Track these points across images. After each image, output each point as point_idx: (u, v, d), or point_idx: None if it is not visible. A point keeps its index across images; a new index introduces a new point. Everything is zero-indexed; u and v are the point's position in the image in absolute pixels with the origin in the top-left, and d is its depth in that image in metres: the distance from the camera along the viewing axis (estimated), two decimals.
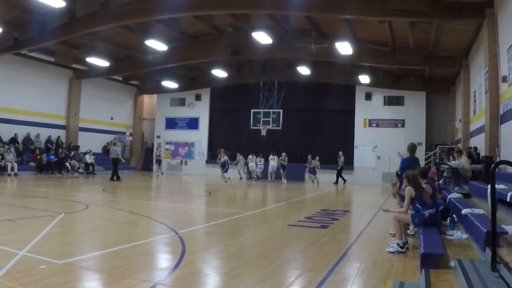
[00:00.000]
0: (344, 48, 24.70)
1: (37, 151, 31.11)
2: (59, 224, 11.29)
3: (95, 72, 35.27)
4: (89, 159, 33.36)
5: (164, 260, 8.53)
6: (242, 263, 8.17)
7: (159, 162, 37.86)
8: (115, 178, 27.81)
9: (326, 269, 7.64)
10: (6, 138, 30.57)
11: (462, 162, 16.61)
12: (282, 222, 13.18)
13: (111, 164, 29.07)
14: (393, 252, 8.90)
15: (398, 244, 8.98)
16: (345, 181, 32.92)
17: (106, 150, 39.49)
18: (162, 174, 37.09)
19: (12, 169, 27.93)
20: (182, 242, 9.59)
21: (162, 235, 10.59)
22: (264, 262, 8.17)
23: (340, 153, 32.82)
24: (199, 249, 9.32)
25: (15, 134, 31.24)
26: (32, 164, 30.44)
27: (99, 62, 31.35)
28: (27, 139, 32.28)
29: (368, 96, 35.34)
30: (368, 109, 35.55)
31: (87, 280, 6.95)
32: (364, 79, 32.24)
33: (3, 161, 27.76)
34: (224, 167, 30.47)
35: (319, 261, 8.40)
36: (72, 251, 8.60)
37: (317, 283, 6.81)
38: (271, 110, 35.20)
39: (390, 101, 35.00)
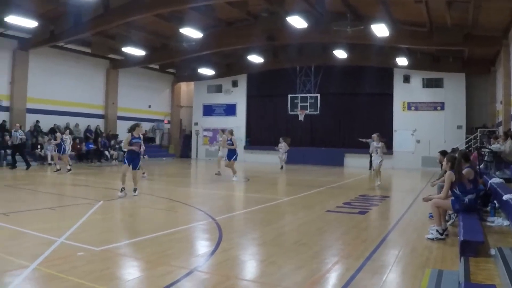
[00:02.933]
0: (380, 30, 24.31)
1: (77, 141, 31.46)
2: (97, 212, 11.47)
3: (131, 61, 35.57)
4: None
5: (201, 247, 8.59)
6: (279, 249, 8.16)
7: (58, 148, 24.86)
8: (27, 166, 25.16)
9: (363, 255, 7.59)
10: (46, 129, 31.11)
11: (504, 145, 16.29)
12: (320, 208, 13.12)
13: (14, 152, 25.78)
14: (433, 239, 8.75)
15: (437, 230, 8.82)
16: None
17: (145, 138, 39.82)
18: (69, 169, 23.65)
19: (52, 158, 28.29)
20: (220, 228, 9.66)
21: (200, 222, 10.66)
22: (301, 249, 8.15)
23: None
24: (236, 235, 9.39)
25: (55, 125, 31.69)
26: (72, 153, 30.82)
27: (135, 51, 31.56)
28: (67, 129, 32.66)
29: (407, 79, 34.76)
30: (406, 92, 34.99)
31: (124, 266, 7.09)
32: (402, 61, 31.69)
33: (42, 151, 28.18)
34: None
35: (357, 247, 8.35)
36: (110, 238, 8.75)
37: (354, 270, 6.76)
38: (308, 95, 35.00)
39: (429, 83, 34.41)
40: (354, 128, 35.42)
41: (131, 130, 15.35)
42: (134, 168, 15.08)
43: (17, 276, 6.01)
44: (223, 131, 25.02)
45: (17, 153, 25.20)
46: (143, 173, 21.15)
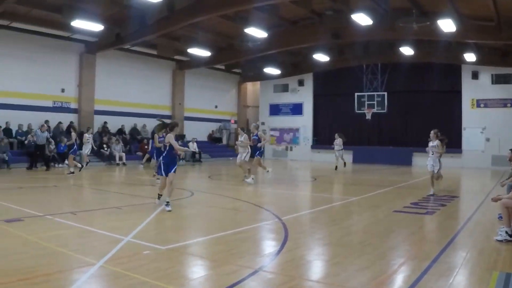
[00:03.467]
0: (447, 25, 23.79)
1: (144, 141, 32.02)
2: (164, 211, 11.62)
3: (197, 62, 36.03)
4: (192, 147, 33.91)
5: (266, 246, 8.64)
6: (344, 249, 8.14)
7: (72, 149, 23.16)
8: (32, 167, 24.83)
9: (430, 257, 7.45)
10: (113, 130, 31.92)
11: None
12: (387, 208, 12.98)
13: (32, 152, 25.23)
14: (501, 241, 8.51)
15: (506, 232, 8.58)
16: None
17: (211, 138, 40.38)
18: (81, 166, 23.41)
19: (120, 158, 29.05)
20: (285, 228, 9.67)
21: (266, 221, 10.69)
22: (367, 249, 8.11)
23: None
24: (302, 235, 9.36)
25: (122, 126, 32.45)
26: (139, 153, 31.35)
27: (200, 52, 31.84)
28: (134, 130, 33.43)
29: (475, 75, 33.85)
30: (475, 88, 34.01)
31: (189, 265, 7.24)
32: (470, 57, 30.84)
33: (108, 150, 28.85)
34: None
35: (423, 248, 8.27)
36: (175, 237, 8.92)
37: (420, 272, 6.66)
38: (375, 93, 34.87)
39: (498, 80, 33.35)
40: (422, 127, 34.68)
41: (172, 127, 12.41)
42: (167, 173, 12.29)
43: (84, 273, 6.21)
44: (242, 129, 22.33)
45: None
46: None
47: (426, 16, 24.72)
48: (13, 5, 22.99)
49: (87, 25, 24.73)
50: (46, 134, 25.02)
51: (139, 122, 34.12)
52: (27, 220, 9.93)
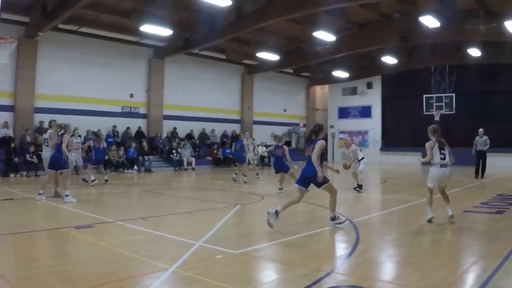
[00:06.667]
0: None
1: (214, 146, 32.42)
2: (235, 215, 11.92)
3: (266, 66, 36.47)
4: (261, 151, 34.14)
5: (338, 249, 8.79)
6: (416, 250, 8.22)
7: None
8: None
9: (501, 255, 7.48)
10: (182, 135, 32.54)
11: None
12: (457, 208, 12.76)
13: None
14: None
15: None
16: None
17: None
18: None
19: (190, 163, 29.52)
20: (357, 230, 9.77)
21: (337, 224, 10.62)
22: (438, 249, 8.20)
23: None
24: (373, 237, 9.46)
25: (191, 130, 32.96)
26: (209, 158, 31.79)
27: (269, 56, 32.25)
28: (203, 135, 33.96)
29: None
30: None
31: (262, 269, 7.37)
32: None
33: (177, 155, 29.32)
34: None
35: (494, 247, 8.25)
36: (248, 241, 9.03)
37: (491, 270, 6.69)
38: (443, 95, 34.65)
39: None
40: (492, 128, 34.23)
41: None
42: None
43: (157, 278, 6.34)
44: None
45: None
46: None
47: (493, 17, 24.45)
48: (81, 10, 23.64)
49: (156, 30, 25.57)
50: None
51: (208, 126, 34.64)
52: (97, 227, 10.14)
